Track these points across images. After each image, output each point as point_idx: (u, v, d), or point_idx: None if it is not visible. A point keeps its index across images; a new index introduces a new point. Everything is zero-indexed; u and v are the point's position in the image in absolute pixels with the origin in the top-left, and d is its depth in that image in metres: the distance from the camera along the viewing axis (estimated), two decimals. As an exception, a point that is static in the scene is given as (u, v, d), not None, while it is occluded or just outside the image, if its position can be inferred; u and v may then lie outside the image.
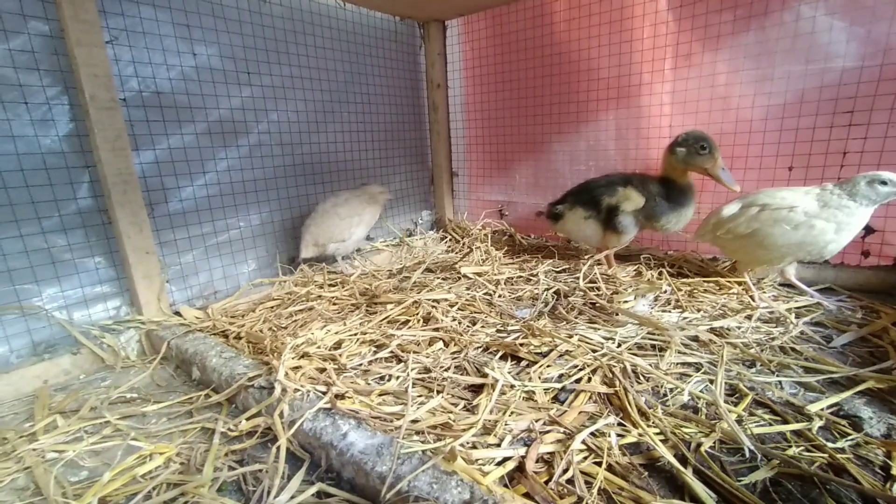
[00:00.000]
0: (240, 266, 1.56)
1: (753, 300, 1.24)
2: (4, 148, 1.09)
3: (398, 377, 0.94)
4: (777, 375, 0.92)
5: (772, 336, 1.07)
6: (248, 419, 0.82)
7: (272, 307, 1.35)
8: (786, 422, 0.79)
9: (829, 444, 0.72)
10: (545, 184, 2.01)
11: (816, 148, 1.37)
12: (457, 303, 1.29)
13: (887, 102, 1.25)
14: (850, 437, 0.74)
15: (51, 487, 0.69)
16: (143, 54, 1.28)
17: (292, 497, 0.65)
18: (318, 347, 1.02)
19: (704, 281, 1.39)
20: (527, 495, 0.64)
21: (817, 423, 0.77)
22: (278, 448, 0.74)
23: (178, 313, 1.29)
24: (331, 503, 0.66)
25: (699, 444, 0.73)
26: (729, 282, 1.36)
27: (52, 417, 0.91)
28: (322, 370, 0.94)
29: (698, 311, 1.21)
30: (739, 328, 1.11)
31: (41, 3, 1.11)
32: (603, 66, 1.73)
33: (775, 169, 1.43)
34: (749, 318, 1.15)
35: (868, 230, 1.34)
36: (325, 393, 0.83)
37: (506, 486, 0.66)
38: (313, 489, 0.67)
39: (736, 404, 0.83)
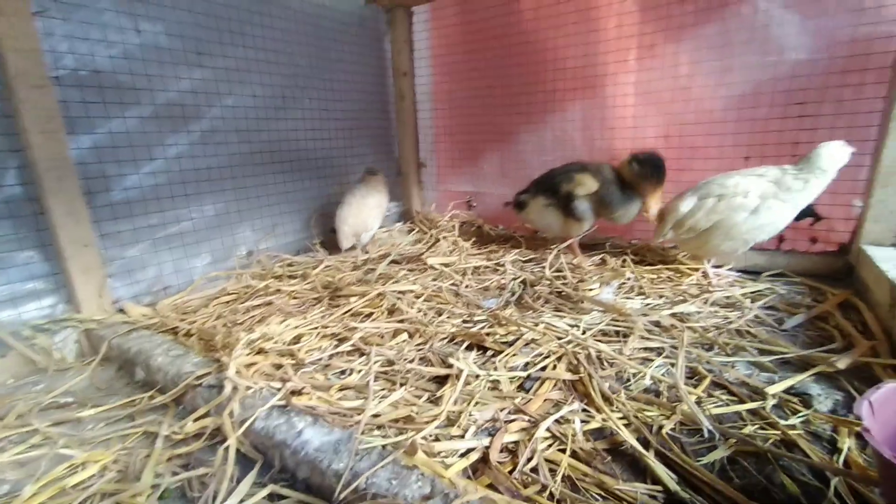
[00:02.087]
0: (192, 260, 1.47)
1: (711, 286, 1.28)
2: (-87, 129, 0.98)
3: (360, 371, 0.90)
4: (733, 357, 0.94)
5: (728, 320, 1.09)
6: (195, 420, 0.77)
7: (228, 302, 1.28)
8: (742, 401, 0.80)
9: (782, 422, 0.73)
10: (513, 174, 2.01)
11: (770, 138, 1.42)
12: (423, 294, 1.26)
13: (835, 95, 1.30)
14: (800, 414, 0.76)
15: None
16: (78, 29, 1.17)
17: (241, 501, 0.61)
18: (276, 343, 0.97)
19: (666, 268, 1.42)
20: (491, 486, 0.63)
21: (771, 402, 0.79)
22: (227, 449, 0.69)
23: (121, 310, 1.20)
24: (283, 505, 0.62)
25: (661, 427, 0.73)
26: (689, 269, 1.39)
27: (-27, 426, 0.82)
28: (279, 366, 0.89)
29: (660, 297, 1.23)
30: (699, 313, 1.13)
31: (-46, -33, 0.99)
32: (569, 55, 1.73)
33: (733, 159, 1.47)
34: (706, 302, 1.18)
35: (816, 217, 1.40)
36: (279, 389, 0.78)
37: (469, 477, 0.64)
38: (265, 491, 0.63)
39: (696, 386, 0.84)
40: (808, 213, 1.40)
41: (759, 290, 1.28)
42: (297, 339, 1.03)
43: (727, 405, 0.80)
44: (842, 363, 0.87)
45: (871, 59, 1.23)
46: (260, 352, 0.94)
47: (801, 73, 1.33)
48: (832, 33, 1.27)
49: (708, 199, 1.28)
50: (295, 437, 0.67)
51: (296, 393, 0.80)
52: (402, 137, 2.20)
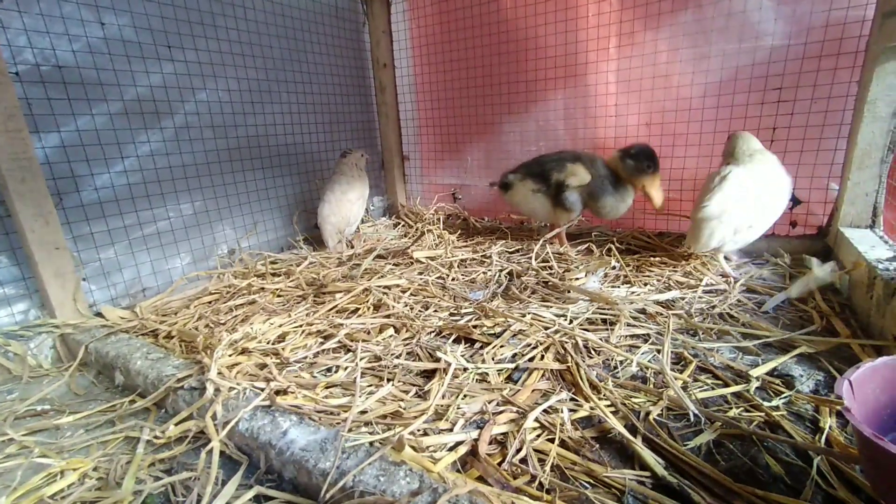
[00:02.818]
0: (172, 260, 1.43)
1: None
2: None
3: (346, 368, 0.89)
4: (718, 343, 0.95)
5: (712, 305, 1.11)
6: (176, 424, 0.75)
7: (209, 302, 1.25)
8: (727, 385, 0.82)
9: (766, 404, 0.75)
10: (497, 165, 2.00)
11: (749, 124, 1.43)
12: (409, 288, 1.25)
13: (811, 79, 1.32)
14: (783, 395, 0.77)
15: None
16: (38, 22, 1.12)
17: (227, 503, 0.60)
18: (259, 342, 0.95)
19: (651, 255, 1.43)
20: (480, 479, 0.62)
21: (754, 385, 0.80)
22: (210, 452, 0.67)
23: (99, 314, 1.17)
24: (269, 507, 0.61)
25: (647, 413, 0.74)
26: (682, 256, 1.40)
27: (-57, 439, 0.79)
28: (263, 366, 0.88)
29: (645, 284, 1.24)
30: (683, 299, 1.14)
31: None
32: (550, 44, 1.72)
33: (713, 145, 1.48)
34: (692, 289, 1.19)
35: (795, 201, 1.42)
36: (263, 389, 0.77)
37: (458, 471, 0.64)
38: (251, 493, 0.62)
39: (681, 371, 0.85)
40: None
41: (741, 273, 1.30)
42: (281, 338, 1.01)
43: (712, 389, 0.81)
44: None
45: (844, 44, 1.25)
46: (243, 352, 0.92)
47: (777, 59, 1.34)
48: (806, 18, 1.28)
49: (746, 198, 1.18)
50: (280, 437, 0.66)
51: (280, 392, 0.78)
52: (385, 130, 2.17)
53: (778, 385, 0.80)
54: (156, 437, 0.74)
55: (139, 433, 0.76)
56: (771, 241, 1.45)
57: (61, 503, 0.63)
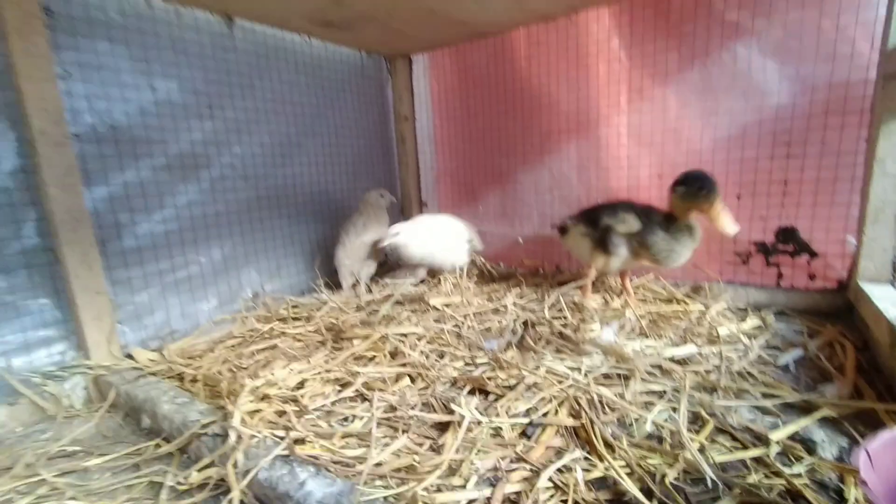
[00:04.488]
0: (199, 303, 1.50)
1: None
2: (-59, 186, 1.03)
3: (363, 417, 0.91)
4: (736, 401, 0.94)
5: (730, 361, 1.10)
6: (199, 470, 0.77)
7: (233, 346, 1.30)
8: (745, 448, 0.80)
9: (787, 470, 0.73)
10: (512, 213, 2.05)
11: (761, 177, 1.46)
12: (425, 336, 1.28)
13: (818, 136, 1.35)
14: (805, 461, 0.75)
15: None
16: (97, 89, 1.25)
17: (243, 558, 0.61)
18: (279, 388, 0.98)
19: (666, 306, 1.43)
20: (493, 541, 0.62)
21: (774, 449, 0.79)
22: (230, 501, 0.69)
23: (129, 356, 1.22)
24: (285, 562, 0.62)
25: (664, 476, 0.73)
26: (686, 306, 1.40)
27: (-21, 478, 0.83)
28: (282, 413, 0.90)
29: (661, 337, 1.24)
30: (700, 353, 1.13)
31: (-9, 39, 1.07)
32: (563, 99, 1.81)
33: (725, 197, 1.51)
34: (710, 343, 1.19)
35: (812, 254, 1.42)
36: (283, 438, 0.79)
37: (471, 531, 0.64)
38: (267, 547, 0.63)
39: (698, 432, 0.84)
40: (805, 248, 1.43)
41: (758, 327, 1.29)
42: (300, 385, 1.04)
43: (731, 452, 0.79)
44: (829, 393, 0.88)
45: (849, 103, 1.29)
46: (264, 398, 0.95)
47: (783, 116, 1.38)
48: (810, 79, 1.33)
49: None
50: (298, 489, 0.68)
51: (299, 441, 0.80)
52: (405, 178, 2.27)
53: (799, 450, 0.78)
54: (179, 483, 0.77)
55: (163, 478, 0.79)
56: (790, 295, 1.44)
57: (87, 549, 0.65)
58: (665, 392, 0.97)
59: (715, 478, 0.71)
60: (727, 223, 1.29)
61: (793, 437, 0.82)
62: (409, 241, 1.68)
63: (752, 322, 1.31)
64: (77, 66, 1.21)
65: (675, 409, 0.90)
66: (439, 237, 1.75)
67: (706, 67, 1.48)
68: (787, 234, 1.46)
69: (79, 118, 1.22)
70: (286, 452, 0.76)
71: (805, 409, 0.90)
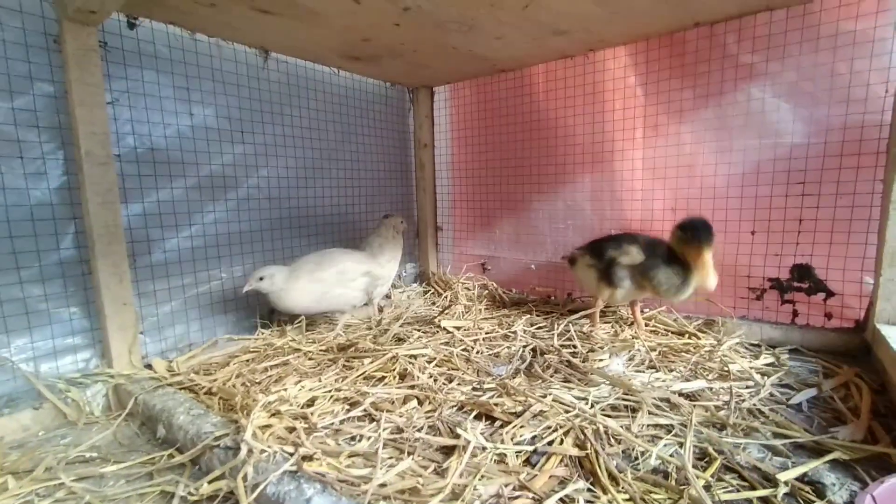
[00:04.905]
0: (217, 318, 1.56)
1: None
2: (-4, 199, 1.12)
3: (370, 437, 0.93)
4: (745, 439, 0.93)
5: (741, 398, 1.08)
6: (210, 482, 0.80)
7: (247, 361, 1.33)
8: (753, 488, 0.79)
9: (795, 513, 0.72)
10: (526, 240, 2.08)
11: (775, 214, 1.46)
12: (434, 358, 1.29)
13: (834, 176, 1.36)
14: (814, 505, 0.74)
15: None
16: (141, 114, 1.35)
17: (248, 569, 0.63)
18: (290, 405, 1.01)
19: (677, 339, 1.42)
20: (492, 568, 0.63)
21: (782, 490, 0.77)
22: (239, 514, 0.72)
23: (149, 366, 1.27)
24: (288, 576, 0.63)
25: (668, 513, 0.73)
26: (700, 343, 1.39)
27: (3, 478, 0.87)
28: (292, 429, 0.93)
29: (671, 371, 1.23)
30: (710, 389, 1.12)
31: (49, 67, 1.18)
32: (579, 132, 1.86)
33: (739, 233, 1.51)
34: (720, 378, 1.17)
35: (828, 292, 1.41)
36: (292, 454, 0.81)
37: (471, 557, 0.65)
38: (271, 560, 0.64)
39: (705, 469, 0.83)
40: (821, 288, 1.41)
41: (771, 364, 1.27)
42: (311, 402, 1.06)
43: (738, 491, 0.79)
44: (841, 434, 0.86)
45: (864, 145, 1.30)
46: (275, 414, 0.98)
47: (798, 156, 1.40)
48: (824, 121, 1.35)
49: None
50: (303, 505, 0.70)
51: (307, 458, 0.82)
52: (422, 202, 2.33)
53: (808, 492, 0.77)
54: (190, 494, 0.79)
55: (175, 488, 0.81)
56: (805, 333, 1.41)
57: (100, 552, 0.68)
58: (672, 426, 0.96)
59: (719, 517, 0.70)
60: (708, 277, 1.31)
61: (802, 479, 0.80)
62: (287, 288, 1.43)
63: (765, 359, 1.29)
64: (125, 93, 1.31)
65: (681, 444, 0.89)
66: (324, 280, 1.50)
67: (720, 106, 1.51)
68: (803, 272, 1.45)
69: (122, 140, 1.31)
70: (294, 468, 0.78)
71: (816, 450, 0.89)
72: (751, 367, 1.24)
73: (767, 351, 1.35)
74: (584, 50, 1.73)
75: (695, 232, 1.30)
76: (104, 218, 1.21)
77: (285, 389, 1.06)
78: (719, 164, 1.54)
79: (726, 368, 1.22)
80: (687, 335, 1.46)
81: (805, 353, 1.36)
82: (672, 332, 1.51)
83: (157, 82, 1.38)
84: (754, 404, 1.05)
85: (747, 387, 1.14)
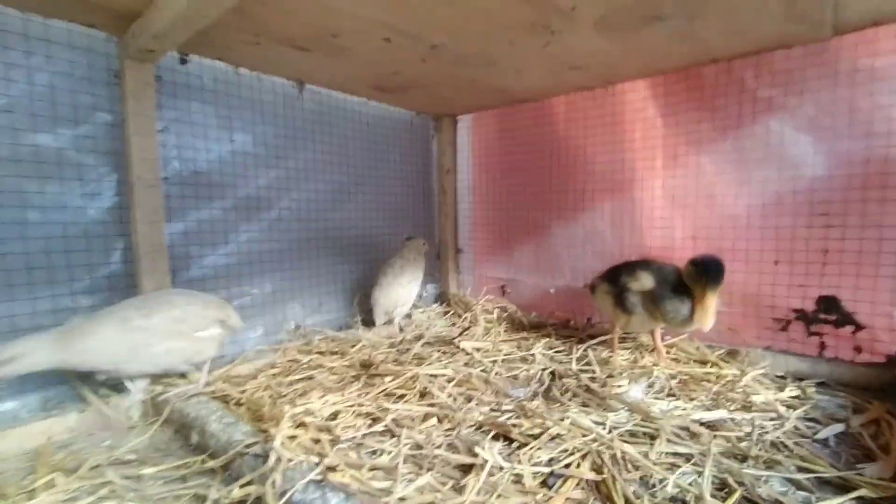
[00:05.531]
0: (247, 331, 1.63)
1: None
2: (55, 217, 1.23)
3: (390, 452, 0.96)
4: (767, 471, 0.91)
5: (764, 430, 1.07)
6: (240, 487, 0.84)
7: (274, 374, 1.39)
8: (774, 521, 0.78)
9: (816, 548, 0.71)
10: (545, 265, 2.11)
11: (798, 245, 1.46)
12: (454, 378, 1.32)
13: (858, 207, 1.35)
14: (837, 541, 0.73)
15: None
16: (187, 140, 1.47)
17: (276, 572, 0.66)
18: (315, 417, 1.05)
19: (699, 368, 1.41)
20: (507, 584, 0.64)
21: (805, 525, 0.76)
22: (267, 520, 0.75)
23: (183, 376, 1.34)
24: (312, 581, 0.66)
25: (685, 541, 0.73)
26: (722, 373, 1.37)
27: (51, 475, 0.93)
28: (317, 441, 0.97)
29: (691, 399, 1.22)
30: (732, 420, 1.11)
31: (110, 99, 1.30)
32: (599, 160, 1.90)
33: (761, 262, 1.51)
34: (743, 409, 1.16)
35: (856, 325, 1.38)
36: (318, 464, 0.85)
37: (487, 573, 0.66)
38: (297, 565, 0.68)
39: (724, 500, 0.83)
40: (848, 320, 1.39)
41: (797, 397, 1.25)
42: (334, 416, 1.10)
43: (757, 523, 0.78)
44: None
45: (889, 178, 1.30)
46: (301, 425, 1.02)
47: (819, 188, 1.40)
48: (846, 154, 1.36)
49: None
50: (328, 514, 0.73)
51: (331, 469, 0.86)
52: (443, 226, 2.39)
53: (831, 528, 0.76)
54: (222, 498, 0.84)
55: (207, 492, 0.86)
56: (834, 367, 1.39)
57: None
58: (692, 455, 0.96)
59: (738, 547, 0.70)
60: (704, 319, 1.29)
61: (825, 515, 0.79)
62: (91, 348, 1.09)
63: (790, 391, 1.27)
64: (174, 122, 1.43)
65: (700, 474, 0.89)
66: (147, 329, 1.15)
67: (739, 139, 1.54)
68: (829, 304, 1.43)
69: (168, 164, 1.42)
70: (320, 477, 0.82)
71: (842, 486, 0.87)
72: (775, 399, 1.22)
73: (793, 383, 1.33)
74: (602, 83, 1.79)
75: (703, 270, 1.28)
76: (150, 236, 1.30)
77: (310, 403, 1.11)
78: (740, 194, 1.55)
79: (749, 399, 1.20)
80: (709, 364, 1.45)
81: (833, 386, 1.33)
82: (694, 361, 1.49)
83: (202, 112, 1.50)
84: (778, 437, 1.04)
85: (771, 419, 1.13)
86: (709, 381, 1.33)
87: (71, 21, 1.23)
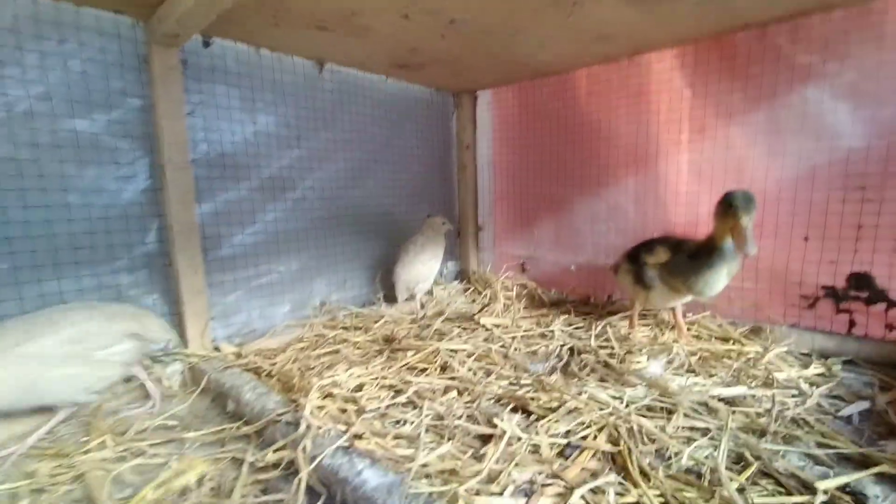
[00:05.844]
0: (276, 307, 1.70)
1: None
2: (94, 199, 1.29)
3: (412, 422, 1.00)
4: (785, 446, 0.92)
5: (785, 406, 1.07)
6: (274, 451, 0.90)
7: (301, 348, 1.45)
8: (789, 494, 0.80)
9: (831, 521, 0.72)
10: (566, 241, 2.10)
11: (832, 220, 1.40)
12: (473, 353, 1.36)
13: (898, 180, 1.29)
14: (853, 515, 0.74)
15: (104, 494, 0.79)
16: (213, 123, 1.50)
17: (309, 527, 0.72)
18: (342, 389, 1.11)
19: (721, 345, 1.40)
20: (524, 545, 0.68)
21: (820, 498, 0.77)
22: (299, 481, 0.81)
23: (217, 349, 1.42)
24: (342, 536, 0.72)
25: (698, 509, 0.75)
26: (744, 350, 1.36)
27: (103, 437, 1.02)
28: (343, 410, 1.02)
29: (711, 376, 1.22)
30: (752, 396, 1.11)
31: (139, 84, 1.34)
32: (622, 134, 1.85)
33: (790, 238, 1.47)
34: (764, 386, 1.16)
35: (890, 303, 1.34)
36: (345, 432, 0.91)
37: (504, 533, 0.71)
38: (328, 521, 0.73)
39: (740, 473, 0.84)
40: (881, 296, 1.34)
41: (821, 374, 1.24)
42: (359, 388, 1.16)
43: (772, 496, 0.79)
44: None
45: (933, 148, 1.23)
46: (328, 396, 1.08)
47: (857, 159, 1.34)
48: (889, 122, 1.28)
49: None
50: (356, 476, 0.78)
51: (357, 437, 0.91)
52: (463, 203, 2.39)
53: (848, 502, 0.76)
54: (256, 461, 0.90)
55: (243, 455, 0.93)
56: (862, 345, 1.36)
57: (186, 500, 0.80)
58: (709, 430, 0.97)
59: (750, 517, 0.72)
60: (747, 243, 1.18)
61: (843, 489, 0.80)
62: None
63: (815, 369, 1.26)
64: (199, 105, 1.46)
65: (717, 448, 0.90)
66: (37, 357, 0.97)
67: (773, 109, 1.47)
68: (861, 281, 1.38)
69: (196, 147, 1.47)
70: (347, 444, 0.87)
71: (863, 462, 0.87)
72: (798, 377, 1.21)
73: (819, 361, 1.31)
74: (628, 54, 1.73)
75: (732, 199, 1.21)
76: (182, 216, 1.36)
77: (337, 375, 1.17)
78: (771, 167, 1.49)
79: (771, 376, 1.20)
80: (731, 341, 1.44)
81: (861, 364, 1.31)
82: (715, 338, 1.48)
83: (226, 94, 1.53)
84: (798, 413, 1.04)
85: (793, 396, 1.12)
86: (730, 357, 1.33)
87: (100, 8, 1.26)
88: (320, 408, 1.01)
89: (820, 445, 0.93)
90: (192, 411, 1.18)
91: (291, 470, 0.87)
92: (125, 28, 1.31)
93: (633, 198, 1.87)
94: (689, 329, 1.54)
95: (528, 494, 0.78)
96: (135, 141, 1.35)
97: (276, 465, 0.89)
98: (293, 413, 0.98)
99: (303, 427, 0.91)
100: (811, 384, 1.18)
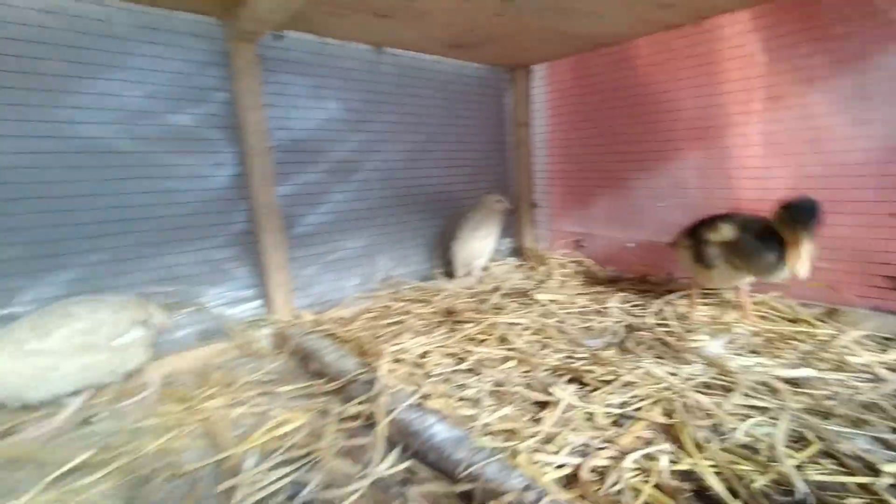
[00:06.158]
0: (346, 280, 1.86)
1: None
2: (192, 185, 1.48)
3: (474, 387, 1.10)
4: (853, 429, 0.91)
5: (857, 390, 1.04)
6: (355, 405, 1.04)
7: (371, 318, 1.59)
8: (852, 474, 0.80)
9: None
10: (624, 218, 2.07)
11: (926, 195, 1.29)
12: (530, 327, 1.42)
13: None
14: (921, 498, 0.73)
15: (228, 434, 0.97)
16: (286, 112, 1.63)
17: (391, 467, 0.84)
18: (409, 355, 1.23)
19: (789, 326, 1.36)
20: (580, 497, 0.76)
21: (886, 480, 0.77)
22: (378, 432, 0.94)
23: (298, 316, 1.59)
24: (417, 477, 0.84)
25: (752, 481, 0.78)
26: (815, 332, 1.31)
27: (213, 389, 1.21)
28: (411, 374, 1.14)
29: (776, 357, 1.20)
30: (820, 379, 1.09)
31: (221, 79, 1.49)
32: (686, 106, 1.78)
33: (875, 215, 1.37)
34: (836, 370, 1.12)
35: None
36: (415, 392, 1.02)
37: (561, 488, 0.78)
38: (406, 464, 0.85)
39: (799, 451, 0.85)
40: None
41: (901, 360, 1.17)
42: (424, 355, 1.27)
43: (832, 475, 0.80)
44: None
45: None
46: (397, 360, 1.20)
47: (962, 128, 1.21)
48: None
49: None
50: (427, 429, 0.89)
51: (426, 396, 1.02)
52: (518, 180, 2.41)
53: (916, 486, 0.76)
54: (340, 413, 1.04)
55: (330, 407, 1.07)
56: (954, 328, 1.26)
57: (289, 442, 0.96)
58: (769, 409, 0.97)
59: (806, 490, 0.74)
60: (798, 264, 1.16)
61: (911, 472, 0.79)
62: None
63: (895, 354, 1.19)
64: (275, 95, 1.60)
65: (775, 426, 0.91)
66: (46, 351, 1.00)
67: (862, 72, 1.35)
68: (959, 261, 1.27)
69: (274, 134, 1.61)
70: (418, 402, 0.98)
71: (942, 451, 0.85)
72: (875, 362, 1.16)
73: (898, 344, 1.24)
74: (694, 19, 1.64)
75: (794, 213, 1.17)
76: (265, 198, 1.52)
77: (403, 343, 1.28)
78: (856, 137, 1.38)
79: (844, 360, 1.16)
80: (801, 323, 1.39)
81: (951, 349, 1.22)
82: (784, 319, 1.44)
83: (297, 83, 1.65)
84: (872, 398, 1.01)
85: (867, 380, 1.09)
86: (798, 339, 1.29)
87: (188, 11, 1.40)
88: (391, 371, 1.13)
89: (893, 431, 0.91)
90: (283, 369, 1.35)
91: (370, 422, 1.00)
92: (211, 28, 1.45)
93: (696, 173, 1.80)
94: (754, 309, 1.50)
95: (583, 455, 0.85)
96: (223, 131, 1.51)
97: (356, 417, 1.03)
98: (368, 374, 1.11)
99: (378, 386, 1.04)
100: (891, 370, 1.12)
